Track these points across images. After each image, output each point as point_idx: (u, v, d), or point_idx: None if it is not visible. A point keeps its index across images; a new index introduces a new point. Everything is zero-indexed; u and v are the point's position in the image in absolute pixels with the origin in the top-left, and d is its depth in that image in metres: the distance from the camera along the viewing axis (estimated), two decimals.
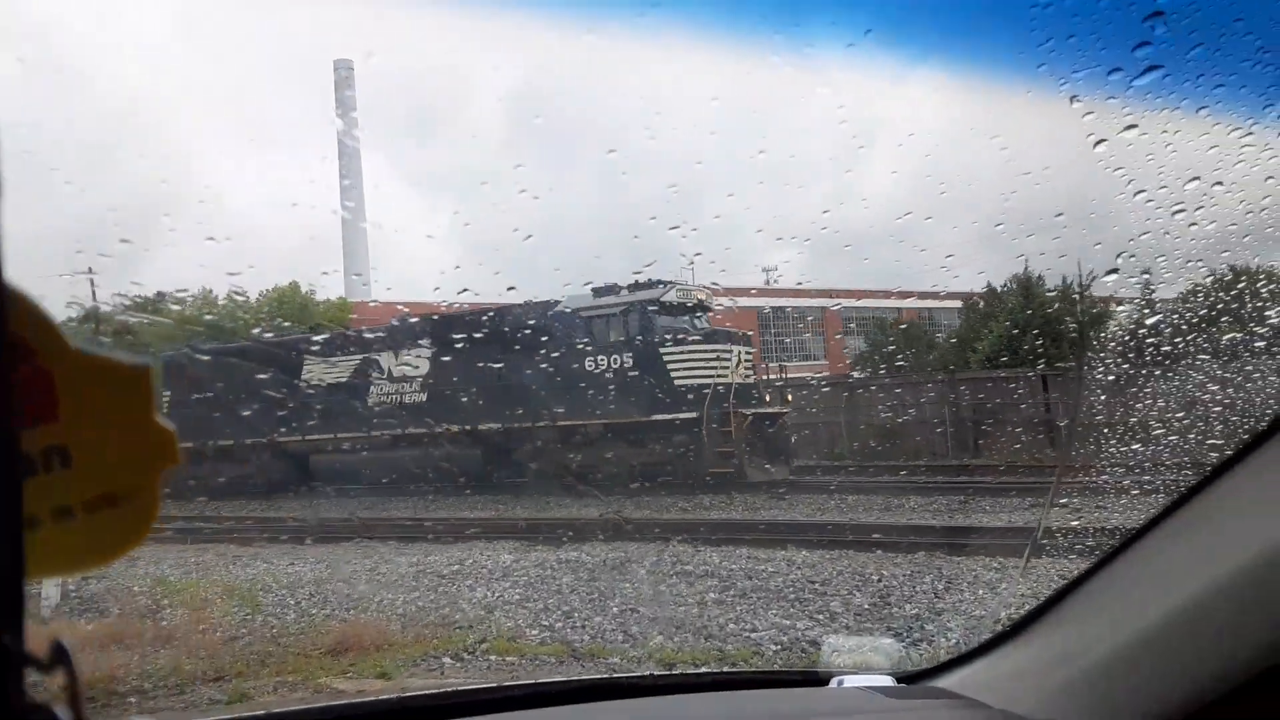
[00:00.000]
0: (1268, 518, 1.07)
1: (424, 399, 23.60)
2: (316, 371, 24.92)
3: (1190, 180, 0.81)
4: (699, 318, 22.78)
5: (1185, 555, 1.21)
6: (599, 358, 21.71)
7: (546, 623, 9.09)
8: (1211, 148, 0.70)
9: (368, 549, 14.21)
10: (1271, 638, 1.08)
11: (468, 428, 22.39)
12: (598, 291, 22.51)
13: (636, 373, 21.24)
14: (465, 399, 22.10)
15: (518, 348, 21.54)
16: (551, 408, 21.65)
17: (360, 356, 24.58)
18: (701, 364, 21.24)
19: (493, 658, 7.95)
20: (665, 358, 21.34)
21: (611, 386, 21.31)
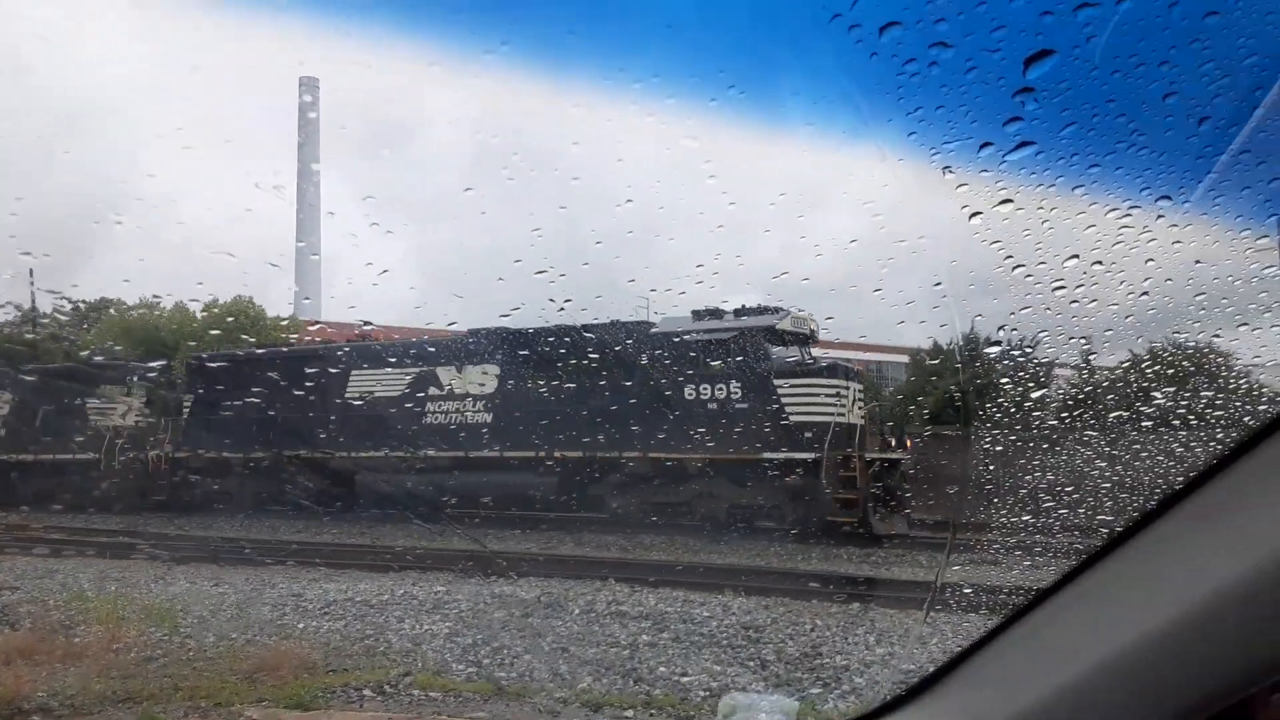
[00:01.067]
0: (1178, 581, 1.09)
1: (489, 419, 21.81)
2: (365, 383, 23.24)
3: (1069, 258, 0.84)
4: (808, 349, 20.64)
5: (1098, 614, 1.23)
6: (701, 386, 19.58)
7: (474, 658, 8.93)
8: (1089, 227, 0.73)
9: (295, 574, 13.89)
10: (1189, 697, 1.10)
11: (542, 454, 20.43)
12: (698, 315, 20.48)
13: (745, 405, 19.11)
14: (540, 422, 20.35)
15: (604, 370, 19.92)
16: (642, 437, 19.68)
17: (417, 370, 22.85)
18: (820, 400, 18.96)
19: (415, 692, 7.78)
20: (779, 390, 19.06)
21: (715, 419, 19.23)
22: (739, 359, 19.41)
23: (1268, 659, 1.04)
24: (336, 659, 8.82)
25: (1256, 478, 1.03)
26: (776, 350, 19.62)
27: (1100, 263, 0.80)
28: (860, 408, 19.46)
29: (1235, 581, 1.04)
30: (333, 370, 23.30)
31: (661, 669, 8.59)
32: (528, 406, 21.09)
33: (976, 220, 0.75)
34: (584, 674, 8.41)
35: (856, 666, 8.59)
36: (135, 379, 26.77)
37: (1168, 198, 0.72)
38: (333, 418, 22.78)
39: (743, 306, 20.11)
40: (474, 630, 10.17)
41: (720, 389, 19.50)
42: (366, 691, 7.76)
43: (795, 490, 18.42)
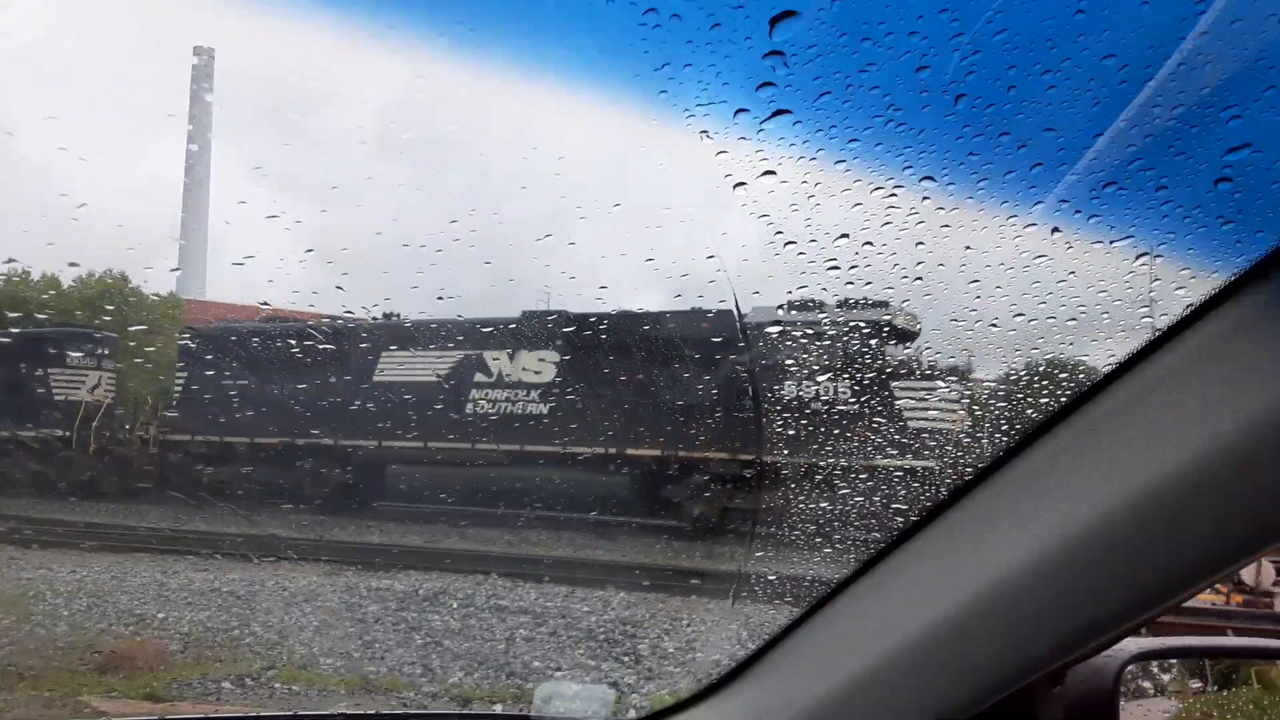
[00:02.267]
0: (962, 573, 1.10)
1: (545, 411, 19.67)
2: (399, 366, 20.89)
3: (840, 237, 0.84)
4: (908, 347, 18.51)
5: (886, 605, 1.24)
6: (804, 384, 17.49)
7: (343, 652, 8.71)
8: (855, 205, 0.73)
9: (161, 562, 13.31)
10: (967, 688, 1.11)
11: (612, 450, 18.52)
12: (794, 306, 19.28)
13: (856, 406, 17.18)
14: (610, 415, 18.50)
15: (684, 362, 17.98)
16: (731, 437, 17.77)
17: (461, 354, 20.52)
18: (937, 401, 16.83)
19: (277, 686, 7.54)
20: (899, 392, 16.85)
21: (820, 421, 17.78)
22: (852, 356, 17.07)
23: (1044, 649, 1.06)
24: (196, 650, 8.47)
25: (1039, 468, 1.05)
26: (891, 349, 17.35)
27: (871, 243, 0.81)
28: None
29: (1014, 572, 1.05)
30: (360, 349, 20.83)
31: (536, 663, 8.54)
32: (593, 399, 19.34)
33: (741, 191, 0.75)
34: (456, 669, 8.29)
35: (727, 661, 8.69)
36: (105, 351, 23.81)
37: (930, 179, 0.73)
38: (358, 402, 20.22)
39: (846, 299, 19.05)
40: (346, 623, 9.92)
41: (828, 389, 16.81)
42: (226, 684, 7.49)
43: (909, 501, 17.10)
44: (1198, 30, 0.71)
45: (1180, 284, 0.96)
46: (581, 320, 19.20)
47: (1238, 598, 12.42)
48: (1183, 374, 0.92)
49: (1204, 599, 12.94)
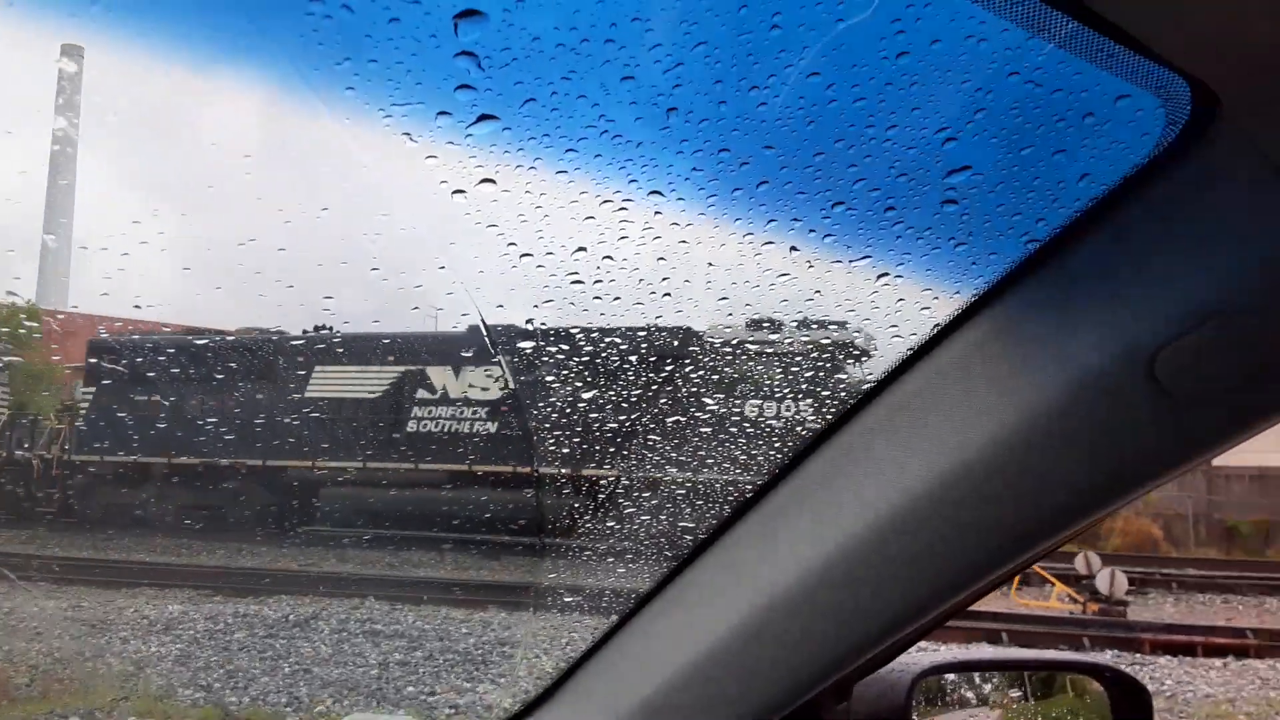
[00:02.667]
0: (743, 588, 1.10)
1: (494, 429, 18.81)
2: (332, 382, 19.56)
3: (577, 250, 0.83)
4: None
5: (672, 625, 1.23)
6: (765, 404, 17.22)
7: (204, 682, 8.30)
8: (588, 217, 0.72)
9: (9, 590, 12.47)
10: (754, 703, 1.10)
11: (564, 471, 18.32)
12: (753, 325, 18.35)
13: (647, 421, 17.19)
14: (554, 434, 17.85)
15: (638, 378, 17.52)
16: (683, 454, 17.54)
17: (401, 369, 19.36)
18: (707, 417, 17.47)
19: (131, 719, 7.13)
20: (673, 407, 17.15)
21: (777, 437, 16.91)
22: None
23: (821, 663, 1.06)
24: (43, 683, 7.95)
25: (808, 485, 1.05)
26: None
27: (610, 258, 0.81)
28: None
29: (787, 588, 1.05)
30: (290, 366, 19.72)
31: (409, 689, 8.32)
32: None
33: (461, 199, 0.73)
34: (325, 696, 8.00)
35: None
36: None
37: (659, 193, 0.72)
38: (287, 420, 19.24)
39: (804, 318, 18.68)
40: (209, 652, 9.47)
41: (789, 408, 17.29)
42: (73, 719, 7.05)
43: None
44: (898, 50, 0.72)
45: (924, 304, 0.98)
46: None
47: (1094, 606, 13.04)
48: (931, 392, 0.95)
49: (1062, 608, 13.56)
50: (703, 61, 0.66)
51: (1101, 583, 13.00)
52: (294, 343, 18.90)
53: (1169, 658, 10.94)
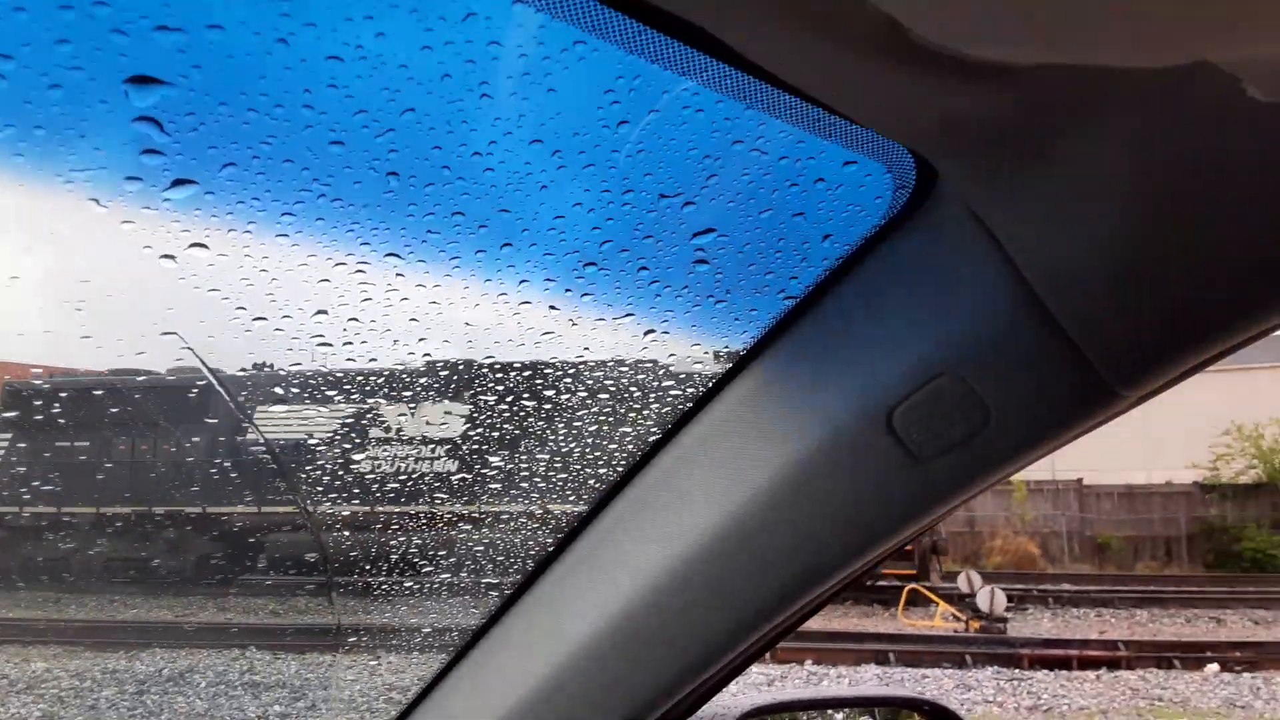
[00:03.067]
0: (550, 639, 1.08)
1: (454, 468, 18.12)
2: (277, 422, 18.37)
3: (318, 312, 0.82)
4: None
5: (488, 681, 1.21)
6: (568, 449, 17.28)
7: None
8: (322, 280, 0.71)
9: None
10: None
11: (535, 510, 17.50)
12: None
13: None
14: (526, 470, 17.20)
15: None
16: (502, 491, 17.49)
17: (354, 408, 18.38)
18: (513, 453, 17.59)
19: None
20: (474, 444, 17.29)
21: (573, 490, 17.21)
22: None
23: (636, 705, 1.05)
24: None
25: (601, 538, 1.05)
26: None
27: (356, 319, 0.79)
28: None
29: (590, 634, 1.04)
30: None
31: None
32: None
33: (171, 264, 0.70)
34: None
35: None
36: None
37: (396, 255, 0.71)
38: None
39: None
40: (74, 711, 8.93)
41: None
42: None
43: None
44: (618, 119, 0.73)
45: (695, 358, 0.99)
46: None
47: (976, 624, 13.46)
48: (707, 445, 0.96)
49: (946, 627, 13.95)
50: (415, 128, 0.65)
51: (982, 601, 13.44)
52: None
53: (1046, 671, 11.35)
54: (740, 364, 0.95)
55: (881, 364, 0.85)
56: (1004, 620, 13.46)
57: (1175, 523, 24.75)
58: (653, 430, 1.08)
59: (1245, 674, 10.96)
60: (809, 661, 11.95)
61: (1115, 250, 0.68)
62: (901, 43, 0.54)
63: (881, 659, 12.02)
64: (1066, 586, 17.20)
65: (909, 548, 16.91)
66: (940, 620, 14.32)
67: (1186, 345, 0.72)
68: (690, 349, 0.99)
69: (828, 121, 0.74)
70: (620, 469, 1.10)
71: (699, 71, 0.67)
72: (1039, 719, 9.22)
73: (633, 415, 1.04)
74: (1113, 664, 11.55)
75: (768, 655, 12.18)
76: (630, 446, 1.11)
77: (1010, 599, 14.55)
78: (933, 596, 14.77)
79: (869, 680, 10.75)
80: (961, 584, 14.22)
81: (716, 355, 0.99)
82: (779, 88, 0.69)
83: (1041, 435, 0.80)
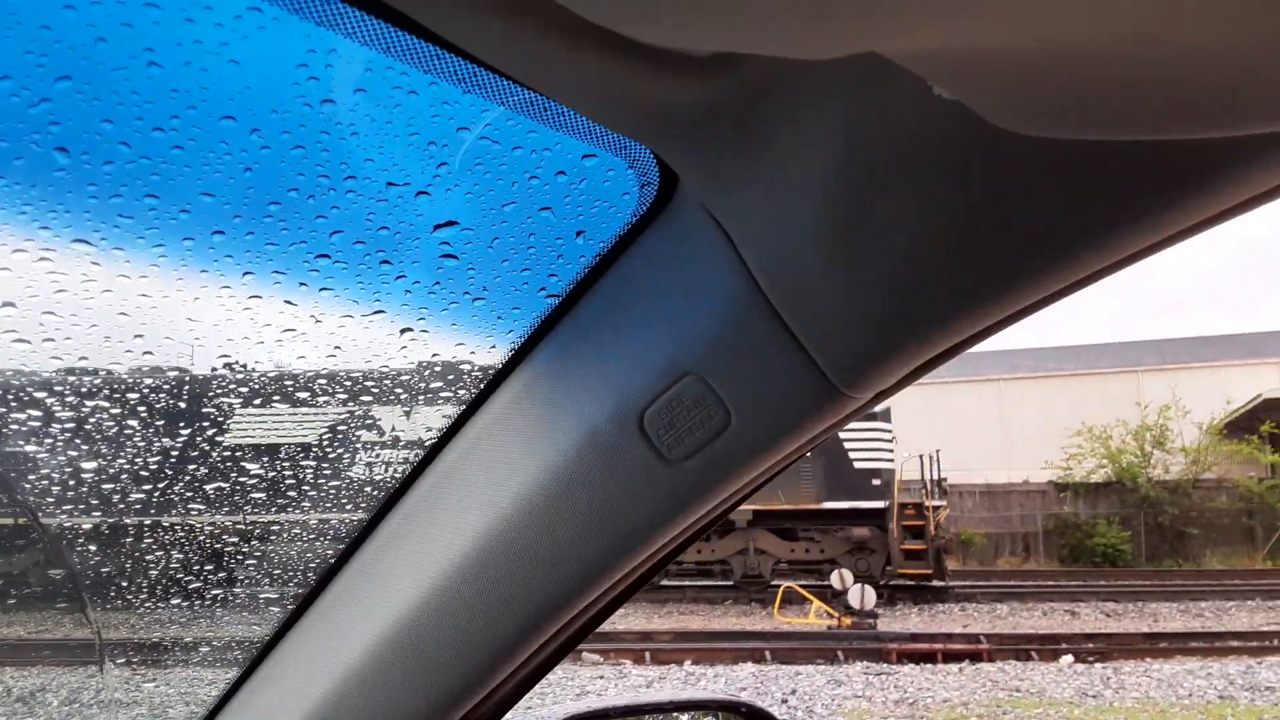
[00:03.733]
0: (328, 663, 1.03)
1: (205, 475, 16.85)
2: (250, 429, 17.05)
3: (4, 305, 0.76)
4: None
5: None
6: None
7: None
8: (2, 269, 0.65)
9: None
10: None
11: (310, 520, 16.72)
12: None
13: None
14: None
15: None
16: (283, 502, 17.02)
17: (346, 412, 17.25)
18: (880, 444, 17.20)
19: None
20: (842, 436, 16.74)
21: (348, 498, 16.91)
22: None
23: (432, 705, 1.02)
24: None
25: (383, 544, 1.00)
26: None
27: (53, 313, 0.72)
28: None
29: (378, 647, 0.99)
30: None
31: None
32: None
33: None
34: None
35: None
36: None
37: (84, 241, 0.66)
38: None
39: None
40: None
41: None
42: None
43: (860, 542, 16.88)
44: (321, 96, 0.68)
45: (462, 359, 0.95)
46: None
47: (847, 621, 13.84)
48: (477, 450, 0.92)
49: (820, 624, 14.31)
50: (74, 98, 0.59)
51: (853, 598, 13.82)
52: None
53: (913, 665, 11.76)
54: (509, 365, 0.92)
55: (633, 365, 0.82)
56: (874, 616, 13.88)
57: (1033, 519, 26.12)
58: (427, 434, 1.03)
59: (1097, 664, 11.59)
60: (688, 662, 12.06)
61: (827, 248, 0.67)
62: (598, 30, 0.50)
63: (758, 657, 12.23)
64: (933, 582, 17.82)
65: (920, 546, 16.97)
66: (814, 617, 14.67)
67: (904, 344, 0.71)
68: (455, 349, 0.94)
69: (556, 112, 0.70)
70: (398, 474, 1.06)
71: (403, 51, 0.62)
72: (904, 712, 9.51)
73: (401, 419, 0.99)
74: (975, 657, 12.05)
75: (615, 658, 12.24)
76: (404, 451, 1.06)
77: (880, 595, 15.00)
78: (806, 595, 15.12)
79: (745, 679, 10.92)
80: (834, 581, 14.60)
81: (484, 355, 0.95)
82: (494, 73, 0.65)
83: (777, 437, 0.78)
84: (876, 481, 17.00)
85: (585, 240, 0.85)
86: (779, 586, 16.54)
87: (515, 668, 1.04)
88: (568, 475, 0.86)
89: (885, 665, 11.77)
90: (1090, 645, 12.51)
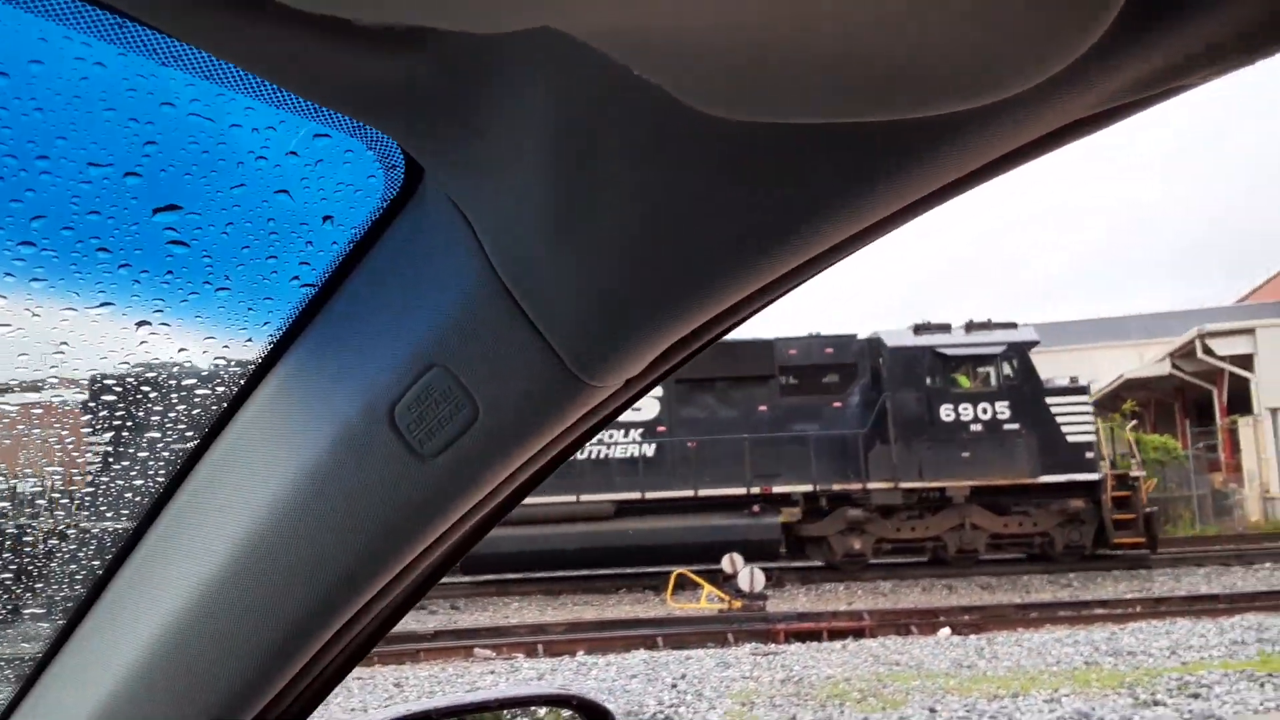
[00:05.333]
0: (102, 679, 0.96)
1: (652, 453, 17.37)
2: None
3: None
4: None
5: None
6: (960, 406, 17.23)
7: None
8: None
9: None
10: None
11: (754, 490, 16.88)
12: (924, 329, 17.89)
13: (1016, 425, 17.13)
14: (734, 452, 16.87)
15: (811, 390, 17.19)
16: (886, 465, 16.98)
17: (89, 414, 16.42)
18: (1088, 417, 17.83)
19: None
20: (1053, 409, 17.52)
21: (979, 441, 17.14)
22: (1008, 377, 17.48)
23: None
24: None
25: (160, 547, 0.94)
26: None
27: None
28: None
29: (149, 661, 0.93)
30: None
31: None
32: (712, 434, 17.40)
33: None
34: None
35: None
36: None
37: None
38: None
39: (971, 321, 18.07)
40: None
41: (984, 409, 17.23)
42: None
43: (1073, 515, 17.28)
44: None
45: (216, 353, 0.89)
46: None
47: (737, 604, 14.09)
48: (239, 451, 0.88)
49: (711, 608, 14.53)
50: None
51: (743, 581, 14.07)
52: None
53: (799, 644, 12.04)
54: (268, 359, 0.87)
55: (385, 358, 0.79)
56: (764, 598, 14.16)
57: None
58: (187, 434, 0.97)
59: (972, 636, 12.08)
60: (581, 652, 12.06)
61: (554, 234, 0.65)
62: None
63: (650, 644, 12.33)
64: (820, 562, 18.27)
65: (1129, 516, 17.47)
66: (705, 602, 14.87)
67: (643, 331, 0.69)
68: (204, 343, 0.88)
69: (272, 88, 0.65)
70: (160, 478, 0.99)
71: (78, 19, 0.57)
72: (790, 690, 9.73)
73: (155, 420, 0.92)
74: (858, 633, 12.42)
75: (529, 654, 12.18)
76: (165, 454, 0.99)
77: (769, 577, 15.31)
78: (697, 579, 15.31)
79: (636, 666, 10.98)
80: (725, 565, 14.81)
81: (239, 350, 0.89)
82: (189, 42, 0.60)
83: (526, 430, 0.76)
84: (1090, 454, 17.52)
85: (335, 226, 0.81)
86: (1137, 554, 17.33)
87: (295, 676, 1.00)
88: (322, 476, 0.82)
89: (773, 645, 12.02)
90: (966, 618, 13.05)
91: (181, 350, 0.87)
